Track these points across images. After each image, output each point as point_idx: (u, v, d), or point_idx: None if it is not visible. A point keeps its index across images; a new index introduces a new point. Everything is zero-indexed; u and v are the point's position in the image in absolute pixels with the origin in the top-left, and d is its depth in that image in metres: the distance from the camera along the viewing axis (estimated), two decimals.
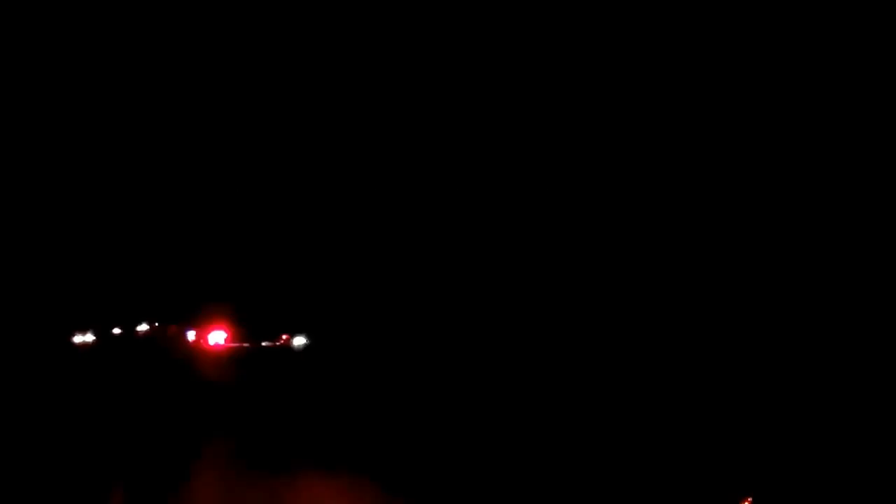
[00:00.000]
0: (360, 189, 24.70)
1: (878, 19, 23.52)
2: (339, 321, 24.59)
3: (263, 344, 24.89)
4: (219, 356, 24.73)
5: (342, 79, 24.49)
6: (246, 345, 24.86)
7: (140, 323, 24.94)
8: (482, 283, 24.39)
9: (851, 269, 23.64)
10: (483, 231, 24.48)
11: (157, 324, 24.99)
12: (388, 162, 24.63)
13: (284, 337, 24.92)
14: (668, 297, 23.96)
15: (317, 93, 24.56)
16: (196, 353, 24.73)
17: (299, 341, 24.89)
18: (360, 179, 24.69)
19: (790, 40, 23.90)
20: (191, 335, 24.95)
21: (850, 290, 23.58)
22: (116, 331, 24.90)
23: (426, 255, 24.47)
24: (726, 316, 23.76)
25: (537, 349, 23.95)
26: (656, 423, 23.35)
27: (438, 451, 23.15)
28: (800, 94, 23.94)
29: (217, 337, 24.85)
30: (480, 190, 24.54)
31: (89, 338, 24.75)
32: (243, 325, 24.86)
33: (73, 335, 24.68)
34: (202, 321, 24.80)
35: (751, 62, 24.06)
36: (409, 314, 24.36)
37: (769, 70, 24.04)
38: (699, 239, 24.01)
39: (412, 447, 23.17)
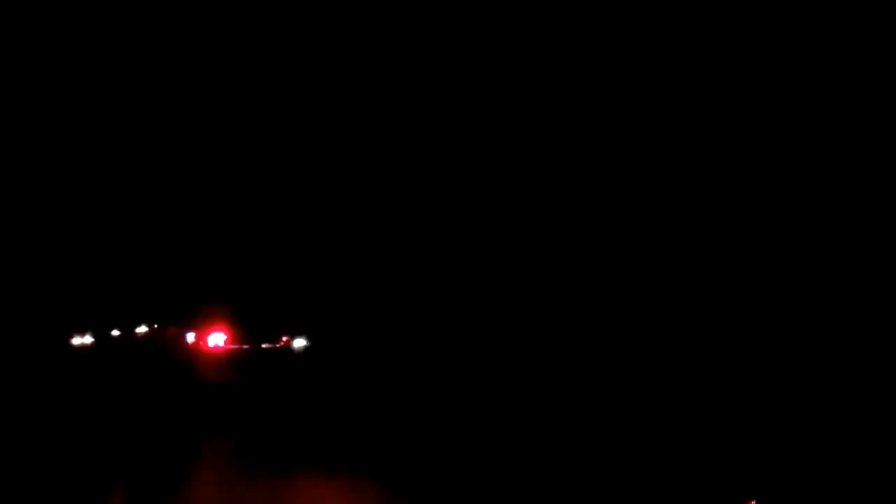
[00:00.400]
0: (361, 190, 24.68)
1: (878, 19, 23.57)
2: (339, 323, 24.54)
3: (263, 346, 24.83)
4: (218, 358, 24.67)
5: (342, 79, 24.49)
6: (246, 347, 24.80)
7: (139, 324, 24.90)
8: (482, 284, 24.36)
9: (851, 269, 23.60)
10: (483, 232, 24.45)
11: (156, 325, 24.95)
12: (387, 163, 24.61)
13: (285, 339, 24.86)
14: (668, 296, 23.92)
15: (316, 93, 24.55)
16: (195, 355, 24.67)
17: (300, 343, 24.83)
18: (359, 181, 24.67)
19: (790, 40, 23.93)
20: (190, 337, 24.91)
21: (851, 290, 23.54)
22: (115, 332, 24.85)
23: (427, 257, 24.44)
24: (727, 316, 23.73)
25: (537, 349, 23.90)
26: (657, 423, 23.27)
27: (438, 451, 23.06)
28: (800, 95, 23.95)
29: (217, 339, 24.79)
30: (480, 191, 24.53)
31: (88, 339, 24.70)
32: (243, 327, 24.81)
33: (72, 337, 24.63)
34: (202, 323, 24.75)
35: (751, 62, 24.08)
36: (410, 316, 24.31)
37: (769, 70, 24.06)
38: (699, 238, 23.98)
39: (412, 447, 23.09)
